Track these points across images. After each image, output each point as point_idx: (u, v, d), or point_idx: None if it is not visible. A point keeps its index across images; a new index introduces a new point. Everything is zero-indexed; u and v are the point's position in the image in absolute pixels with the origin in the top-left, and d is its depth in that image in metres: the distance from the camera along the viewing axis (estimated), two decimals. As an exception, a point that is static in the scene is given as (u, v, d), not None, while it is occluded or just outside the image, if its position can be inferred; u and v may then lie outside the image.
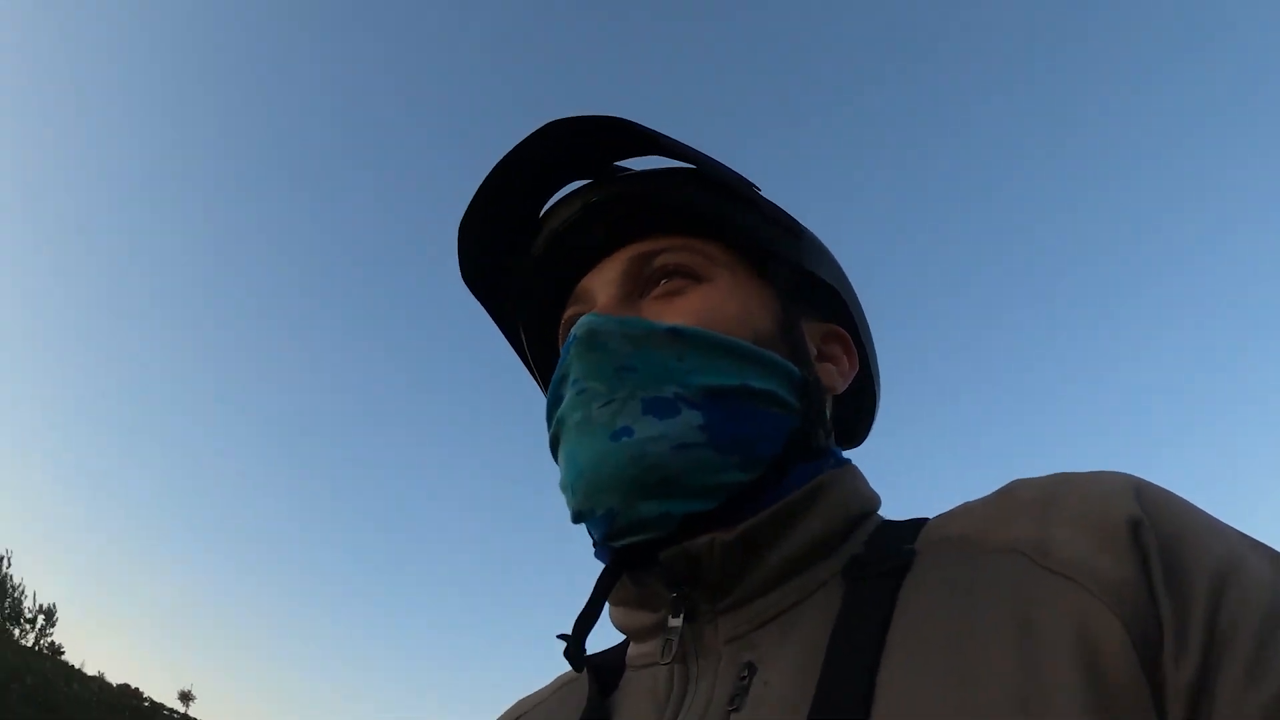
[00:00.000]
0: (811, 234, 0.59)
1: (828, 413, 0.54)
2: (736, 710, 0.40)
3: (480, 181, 0.54)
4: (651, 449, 0.45)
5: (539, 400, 0.57)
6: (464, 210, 0.55)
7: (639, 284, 0.53)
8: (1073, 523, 0.39)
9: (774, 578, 0.45)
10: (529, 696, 0.60)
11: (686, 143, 0.54)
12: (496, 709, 0.62)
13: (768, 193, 0.57)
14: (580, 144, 0.54)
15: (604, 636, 0.57)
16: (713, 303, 0.51)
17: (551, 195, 0.57)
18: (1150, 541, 0.36)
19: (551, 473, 0.51)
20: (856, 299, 0.61)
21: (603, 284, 0.54)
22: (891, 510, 0.52)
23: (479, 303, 0.60)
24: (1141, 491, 0.39)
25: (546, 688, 0.59)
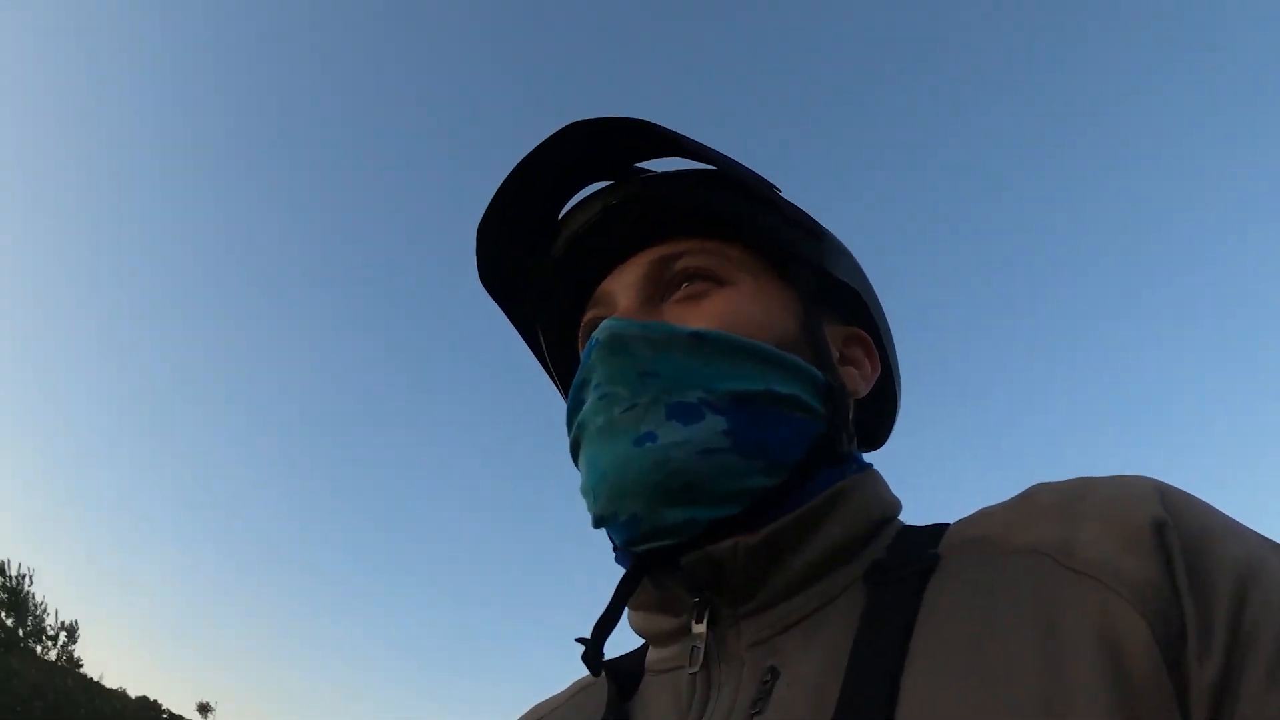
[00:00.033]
0: (832, 235, 0.58)
1: (850, 417, 0.53)
2: (760, 714, 0.40)
3: (497, 183, 0.54)
4: (675, 454, 0.45)
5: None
6: (482, 212, 0.55)
7: (660, 287, 0.53)
8: (1097, 524, 0.39)
9: (796, 582, 0.45)
10: (545, 701, 0.60)
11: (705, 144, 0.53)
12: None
13: (787, 194, 0.56)
14: (600, 146, 0.54)
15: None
16: (735, 306, 0.51)
17: (571, 197, 0.57)
18: (1174, 542, 0.36)
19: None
20: (878, 301, 0.60)
21: (624, 287, 0.53)
22: (912, 514, 0.52)
23: (497, 305, 0.60)
24: (1165, 494, 0.39)
25: (563, 693, 0.58)
